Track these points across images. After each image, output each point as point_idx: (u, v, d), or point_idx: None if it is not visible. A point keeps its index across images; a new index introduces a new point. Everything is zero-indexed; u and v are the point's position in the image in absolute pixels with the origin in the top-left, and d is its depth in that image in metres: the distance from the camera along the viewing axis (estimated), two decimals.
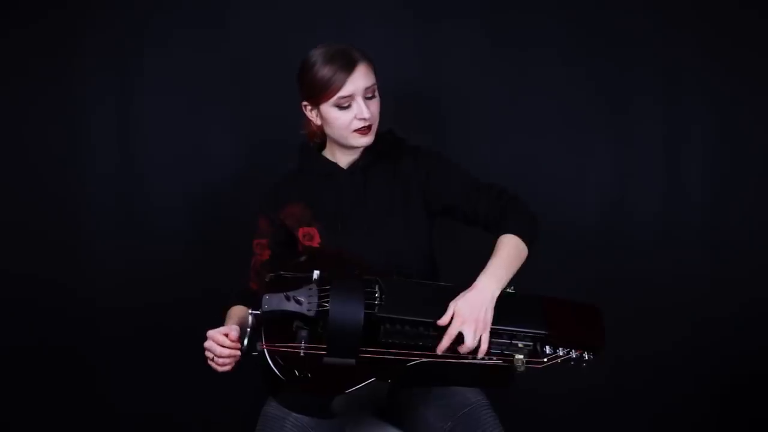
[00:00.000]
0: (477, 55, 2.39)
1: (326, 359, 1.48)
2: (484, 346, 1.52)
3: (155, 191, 2.38)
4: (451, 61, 2.38)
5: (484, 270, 1.59)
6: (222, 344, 1.57)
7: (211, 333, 1.59)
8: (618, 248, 2.41)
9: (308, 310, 1.48)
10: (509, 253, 1.63)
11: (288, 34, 2.35)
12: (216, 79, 2.36)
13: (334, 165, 1.79)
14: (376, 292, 1.54)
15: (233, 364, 1.61)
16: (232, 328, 1.60)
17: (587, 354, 1.59)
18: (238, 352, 1.58)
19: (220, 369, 1.61)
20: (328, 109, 1.69)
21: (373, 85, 1.69)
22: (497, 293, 1.56)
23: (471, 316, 1.51)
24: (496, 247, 1.65)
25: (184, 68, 2.35)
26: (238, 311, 1.77)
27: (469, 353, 1.53)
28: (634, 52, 2.38)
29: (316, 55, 1.69)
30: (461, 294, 1.55)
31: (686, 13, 2.36)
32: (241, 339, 1.58)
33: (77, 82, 2.33)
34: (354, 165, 1.78)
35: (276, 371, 1.46)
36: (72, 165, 2.35)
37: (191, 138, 2.38)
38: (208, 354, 1.60)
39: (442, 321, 1.53)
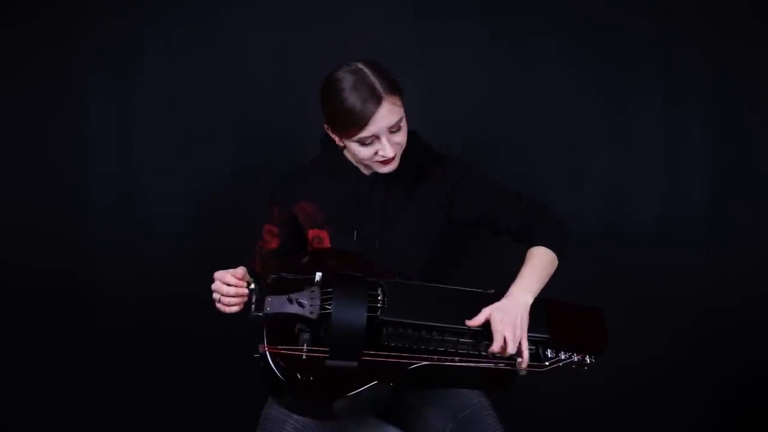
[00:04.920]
0: (476, 55, 2.38)
1: (329, 362, 1.48)
2: (525, 353, 1.55)
3: (155, 191, 2.38)
4: (449, 61, 2.38)
5: (517, 280, 1.62)
6: (228, 282, 1.56)
7: (217, 273, 1.58)
8: (618, 248, 2.41)
9: (311, 313, 1.49)
10: (541, 264, 1.66)
11: (288, 33, 2.34)
12: (216, 79, 2.36)
13: (356, 170, 1.75)
14: (378, 295, 1.54)
15: (240, 305, 1.59)
16: (238, 270, 1.59)
17: (589, 357, 1.60)
18: (245, 290, 1.57)
19: (227, 309, 1.60)
20: (349, 143, 1.63)
21: (399, 120, 1.61)
22: (530, 302, 1.59)
23: (510, 324, 1.53)
24: (527, 258, 1.68)
25: (183, 68, 2.35)
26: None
27: (508, 358, 1.55)
28: (634, 52, 2.37)
29: (342, 83, 1.58)
30: (496, 303, 1.57)
31: (686, 13, 2.35)
32: (247, 281, 1.58)
33: (77, 83, 2.33)
34: (376, 173, 1.72)
35: (278, 374, 1.46)
36: (72, 165, 2.35)
37: (191, 138, 2.38)
38: (215, 296, 1.59)
39: (472, 323, 1.55)
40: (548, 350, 1.58)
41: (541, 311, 1.61)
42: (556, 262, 1.70)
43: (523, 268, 1.66)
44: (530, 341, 1.57)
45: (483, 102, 2.40)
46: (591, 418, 2.45)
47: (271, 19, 2.34)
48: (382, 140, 1.60)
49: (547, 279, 1.67)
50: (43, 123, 2.33)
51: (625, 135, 2.40)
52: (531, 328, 1.57)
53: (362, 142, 1.60)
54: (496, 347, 1.53)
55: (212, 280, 1.60)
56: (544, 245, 1.69)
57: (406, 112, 1.69)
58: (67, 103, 2.33)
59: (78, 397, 2.41)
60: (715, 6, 2.34)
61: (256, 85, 2.36)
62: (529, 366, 1.57)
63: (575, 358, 1.59)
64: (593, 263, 2.41)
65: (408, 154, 1.73)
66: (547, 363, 1.58)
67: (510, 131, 2.41)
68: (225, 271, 1.59)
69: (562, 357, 1.59)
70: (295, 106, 2.34)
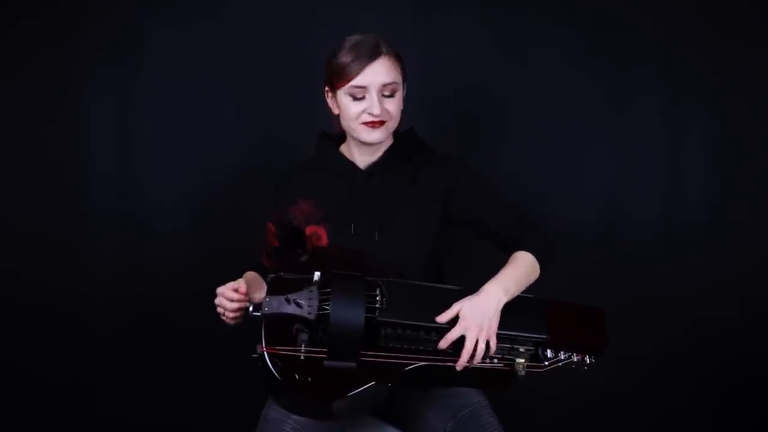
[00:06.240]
0: (477, 55, 2.38)
1: (327, 363, 1.47)
2: (493, 350, 1.53)
3: (155, 191, 2.38)
4: (450, 61, 2.38)
5: (495, 278, 1.60)
6: (231, 299, 1.61)
7: (220, 290, 1.63)
8: (618, 248, 2.41)
9: (309, 314, 1.48)
10: (522, 268, 1.64)
11: (287, 33, 2.35)
12: (216, 78, 2.36)
13: (351, 164, 1.75)
14: (377, 296, 1.54)
15: (242, 317, 1.65)
16: (240, 283, 1.63)
17: (589, 358, 1.59)
18: (247, 303, 1.61)
19: (231, 323, 1.67)
20: (342, 96, 1.66)
21: (393, 83, 1.65)
22: (504, 302, 1.56)
23: (475, 321, 1.51)
24: (509, 261, 1.66)
25: (184, 67, 2.35)
26: (250, 274, 1.81)
27: (469, 358, 1.53)
28: (634, 52, 2.37)
29: (346, 40, 1.66)
30: (468, 297, 1.55)
31: (687, 13, 2.35)
32: (249, 295, 1.63)
33: (77, 83, 2.33)
34: (372, 167, 1.74)
35: (276, 374, 1.46)
36: (72, 165, 2.35)
37: (191, 137, 2.38)
38: (219, 310, 1.65)
39: (442, 318, 1.53)
40: (548, 350, 1.57)
41: (539, 311, 1.60)
42: (538, 272, 1.67)
43: (504, 268, 1.63)
44: (530, 342, 1.57)
45: (482, 102, 2.40)
46: (591, 419, 2.45)
47: (271, 19, 2.35)
48: (372, 95, 1.63)
49: (526, 284, 1.64)
50: (43, 123, 2.33)
51: (625, 135, 2.40)
52: (530, 328, 1.57)
53: (354, 96, 1.64)
54: (464, 355, 1.51)
55: (215, 296, 1.64)
56: (528, 250, 1.67)
57: (405, 110, 1.70)
58: (67, 103, 2.33)
59: (77, 397, 2.41)
60: (715, 6, 2.34)
61: (255, 85, 2.36)
62: (528, 366, 1.56)
63: (575, 358, 1.58)
64: (593, 263, 2.41)
65: (404, 148, 1.74)
66: (546, 363, 1.57)
67: (510, 131, 2.41)
68: (227, 287, 1.63)
69: (562, 357, 1.58)
70: (296, 106, 2.34)
